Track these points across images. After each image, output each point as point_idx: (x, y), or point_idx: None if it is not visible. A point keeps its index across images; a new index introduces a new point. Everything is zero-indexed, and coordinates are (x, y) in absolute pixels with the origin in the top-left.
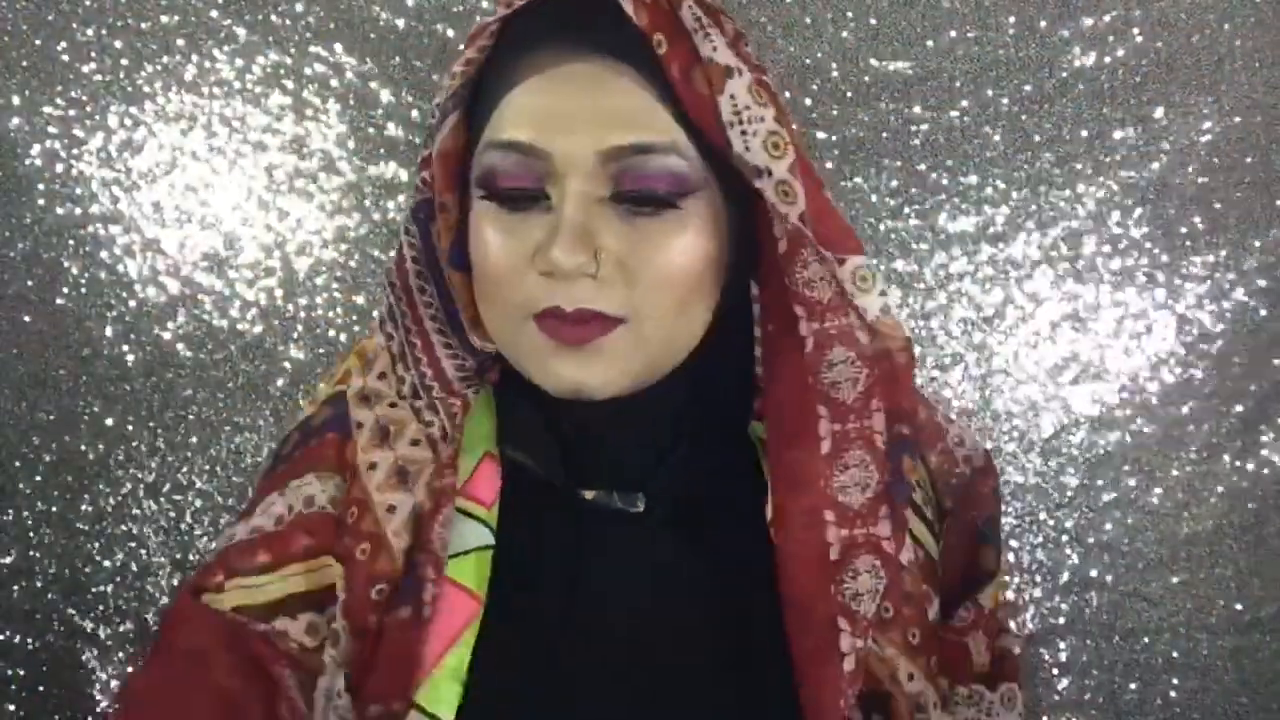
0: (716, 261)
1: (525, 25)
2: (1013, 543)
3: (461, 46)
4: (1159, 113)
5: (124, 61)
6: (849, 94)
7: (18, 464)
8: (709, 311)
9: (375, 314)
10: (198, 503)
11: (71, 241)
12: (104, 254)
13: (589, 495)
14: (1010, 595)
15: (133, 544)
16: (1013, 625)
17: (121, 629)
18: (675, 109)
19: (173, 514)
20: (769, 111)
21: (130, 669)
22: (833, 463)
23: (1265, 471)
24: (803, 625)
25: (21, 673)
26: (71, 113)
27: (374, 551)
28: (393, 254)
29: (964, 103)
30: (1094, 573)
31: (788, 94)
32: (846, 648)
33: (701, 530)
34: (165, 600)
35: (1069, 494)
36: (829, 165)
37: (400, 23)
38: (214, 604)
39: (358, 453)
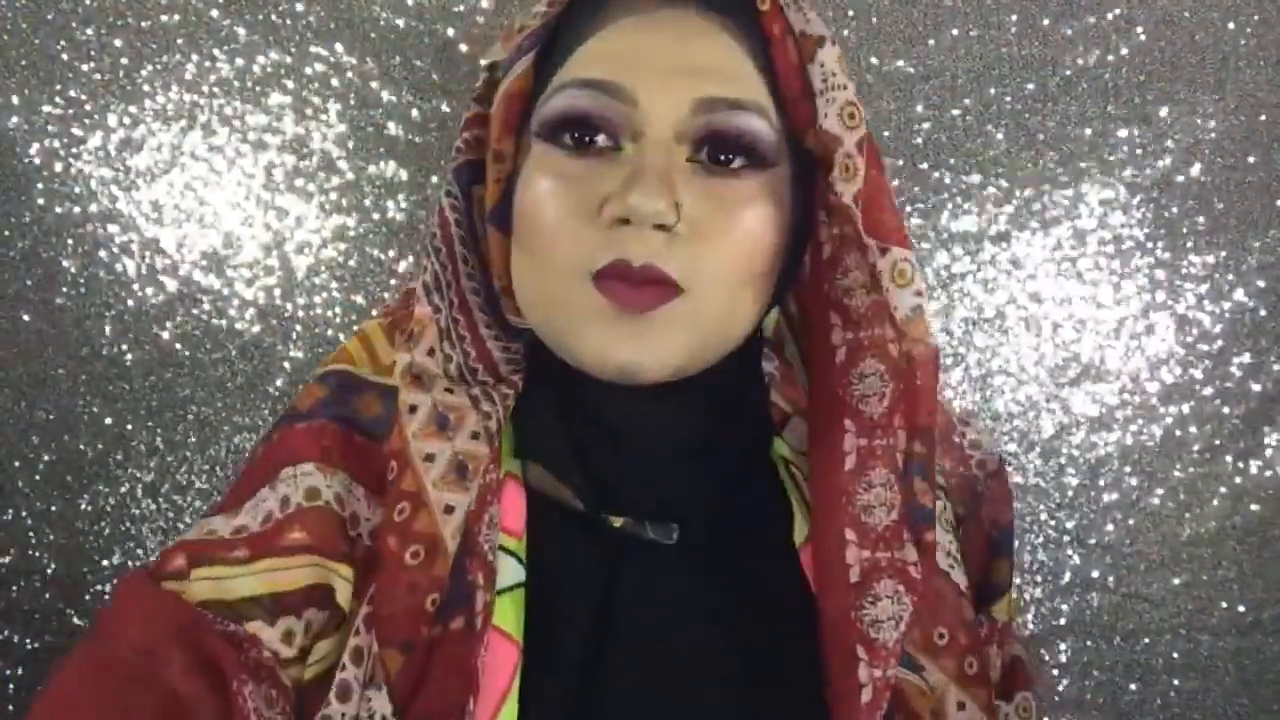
0: (780, 245)
1: None
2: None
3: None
4: (1163, 111)
5: (124, 61)
6: None
7: (16, 463)
8: (765, 297)
9: (418, 282)
10: (197, 502)
11: (70, 240)
12: (103, 253)
13: (617, 523)
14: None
15: (131, 543)
16: (1021, 639)
17: None
18: (766, 75)
19: (172, 513)
20: (851, 84)
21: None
22: (856, 480)
23: (1267, 473)
24: (832, 652)
25: (20, 672)
26: (71, 112)
27: (429, 557)
28: (433, 221)
29: (966, 101)
30: (1095, 574)
31: None
32: (864, 678)
33: (735, 560)
34: None
35: (1069, 495)
36: None
37: (400, 23)
38: (179, 593)
39: (408, 440)
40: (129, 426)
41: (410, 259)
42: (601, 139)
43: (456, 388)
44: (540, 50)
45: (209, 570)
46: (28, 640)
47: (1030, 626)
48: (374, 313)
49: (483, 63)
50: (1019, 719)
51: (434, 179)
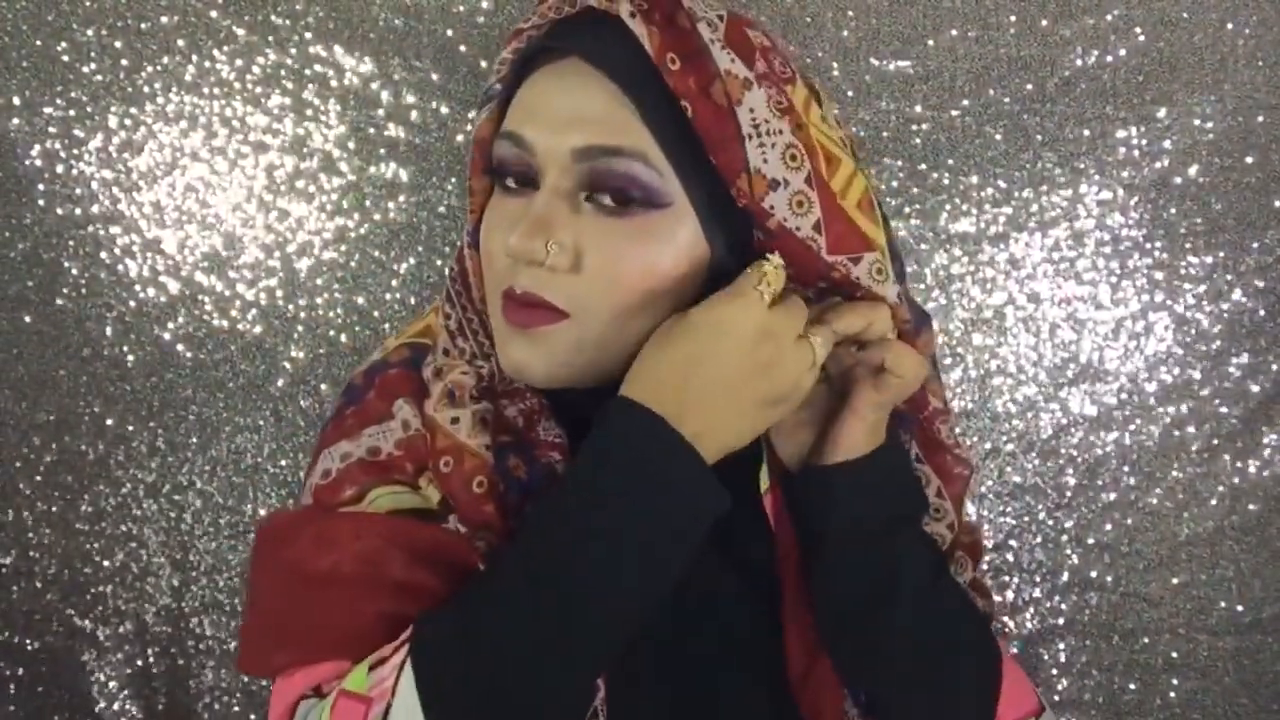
0: (676, 279)
1: (550, 33)
2: (1012, 543)
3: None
4: (1161, 112)
5: (124, 61)
6: (849, 93)
7: (18, 464)
8: (663, 317)
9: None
10: (198, 503)
11: (71, 242)
12: (104, 254)
13: None
14: (1010, 595)
15: (133, 544)
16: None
17: (121, 629)
18: (658, 126)
19: (173, 514)
20: (785, 123)
21: (129, 670)
22: None
23: (1265, 473)
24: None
25: (21, 673)
26: (71, 113)
27: (457, 459)
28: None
29: (965, 102)
30: (1094, 573)
31: None
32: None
33: (728, 535)
34: (165, 600)
35: (1068, 494)
36: None
37: (400, 23)
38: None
39: (430, 408)
40: (130, 427)
41: (411, 260)
42: (525, 177)
43: (469, 368)
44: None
45: (380, 491)
46: (29, 641)
47: (1029, 626)
48: (375, 314)
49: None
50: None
51: (434, 180)
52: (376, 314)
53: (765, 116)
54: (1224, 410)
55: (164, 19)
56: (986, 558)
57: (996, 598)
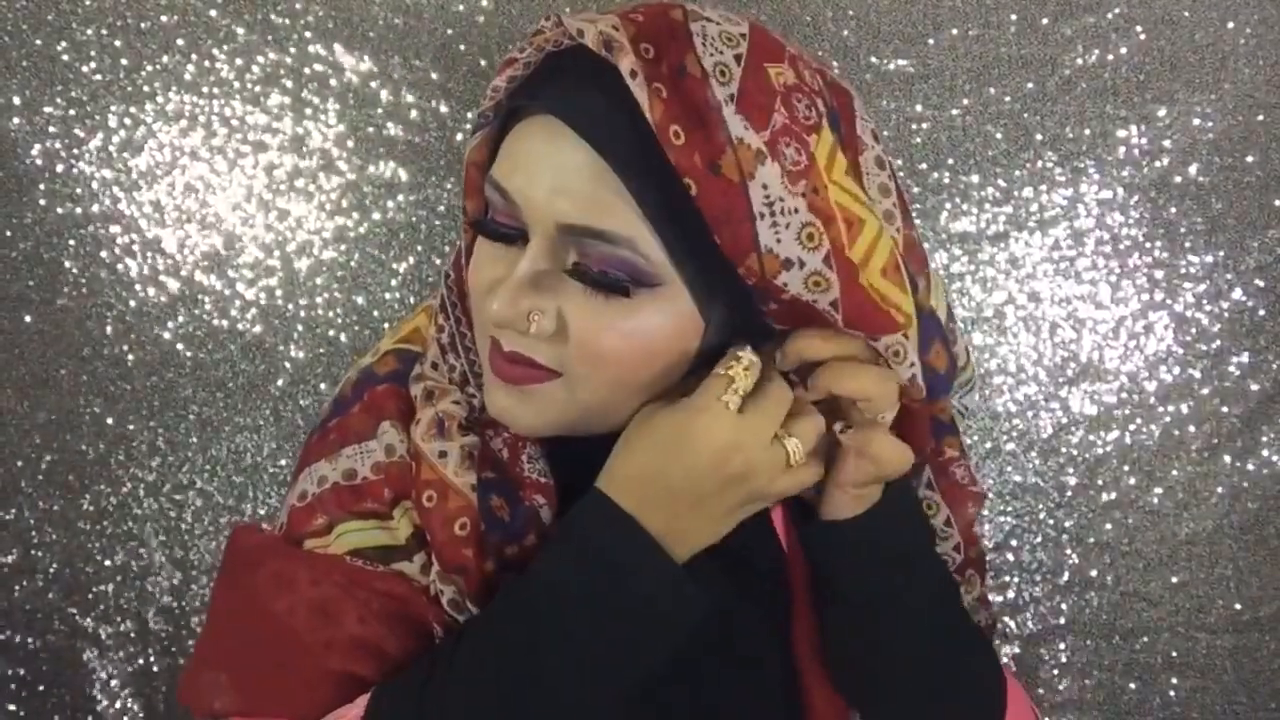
0: (668, 353)
1: (537, 72)
2: (1013, 542)
3: (497, 70)
4: (1161, 111)
5: (124, 61)
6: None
7: (19, 464)
8: (658, 387)
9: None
10: (198, 502)
11: (72, 241)
12: (104, 254)
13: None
14: (1010, 595)
15: (133, 543)
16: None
17: (122, 628)
18: (652, 207)
19: (173, 513)
20: (801, 193)
21: (130, 669)
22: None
23: (1265, 472)
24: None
25: (22, 672)
26: (71, 112)
27: (441, 495)
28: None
29: (965, 101)
30: (1094, 573)
31: None
32: None
33: (736, 550)
34: (166, 599)
35: (1068, 494)
36: None
37: (400, 22)
38: (324, 549)
39: (418, 436)
40: (131, 426)
41: (411, 259)
42: (513, 228)
43: (458, 396)
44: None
45: (348, 525)
46: (30, 640)
47: (1029, 626)
48: (375, 314)
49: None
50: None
51: (434, 179)
52: (376, 314)
53: (780, 193)
54: (1224, 409)
55: (164, 18)
56: (987, 558)
57: (997, 598)
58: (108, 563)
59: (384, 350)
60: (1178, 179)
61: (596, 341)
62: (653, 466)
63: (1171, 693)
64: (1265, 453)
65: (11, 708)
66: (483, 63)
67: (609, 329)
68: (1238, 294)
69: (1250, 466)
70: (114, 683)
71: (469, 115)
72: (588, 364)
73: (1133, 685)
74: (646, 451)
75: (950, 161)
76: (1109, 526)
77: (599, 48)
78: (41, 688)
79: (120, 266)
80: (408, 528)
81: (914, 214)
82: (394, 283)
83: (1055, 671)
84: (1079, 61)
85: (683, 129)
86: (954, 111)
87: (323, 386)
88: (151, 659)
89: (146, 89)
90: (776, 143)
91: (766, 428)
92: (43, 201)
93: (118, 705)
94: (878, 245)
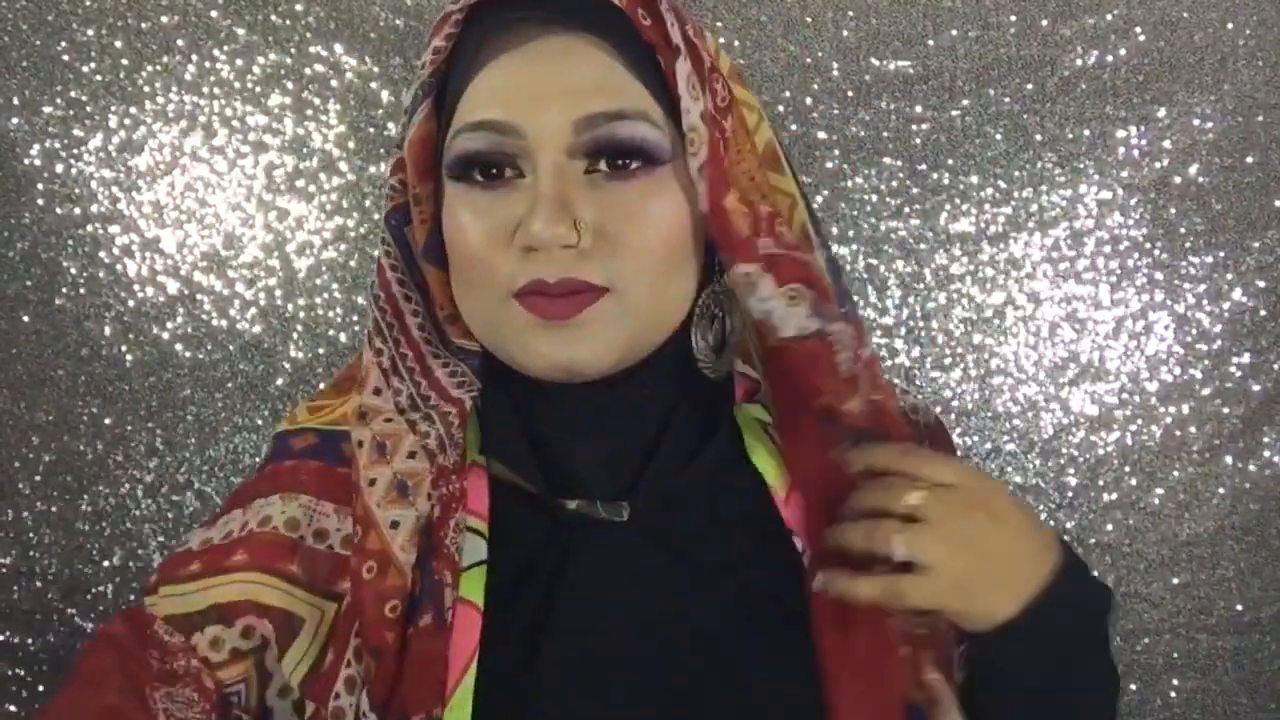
0: (694, 229)
1: (492, 9)
2: None
3: (429, 38)
4: (1161, 112)
5: (124, 61)
6: (850, 93)
7: (17, 464)
8: (693, 280)
9: (367, 331)
10: (196, 503)
11: (70, 241)
12: (103, 254)
13: (572, 505)
14: None
15: (132, 544)
16: None
17: None
18: (647, 80)
19: (171, 514)
20: (698, 104)
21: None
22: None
23: (1266, 472)
24: (838, 618)
25: (21, 673)
26: (71, 113)
27: (382, 569)
28: (374, 270)
29: (965, 102)
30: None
31: (788, 93)
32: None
33: (687, 533)
34: None
35: (1069, 495)
36: (829, 165)
37: (400, 23)
38: (150, 607)
39: (360, 470)
40: (129, 427)
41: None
42: (503, 169)
43: (397, 418)
44: (436, 94)
45: (171, 588)
46: (29, 640)
47: None
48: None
49: (406, 101)
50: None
51: None
52: (321, 386)
53: (708, 64)
54: (1225, 410)
55: (164, 19)
56: None
57: None
58: (106, 563)
59: (304, 426)
60: (1178, 179)
61: (636, 232)
62: None
63: (1173, 694)
64: (1266, 453)
65: (11, 709)
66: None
67: (642, 218)
68: (1238, 294)
69: (1251, 467)
70: None
71: None
72: (633, 259)
73: (1134, 686)
74: None
75: (950, 162)
76: (1110, 527)
77: None
78: (41, 688)
79: (119, 267)
80: (225, 595)
81: (914, 214)
82: None
83: None
84: (1079, 62)
85: (646, 12)
86: (954, 112)
87: (322, 387)
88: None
89: (146, 89)
90: (699, 36)
91: None
92: (41, 201)
93: None
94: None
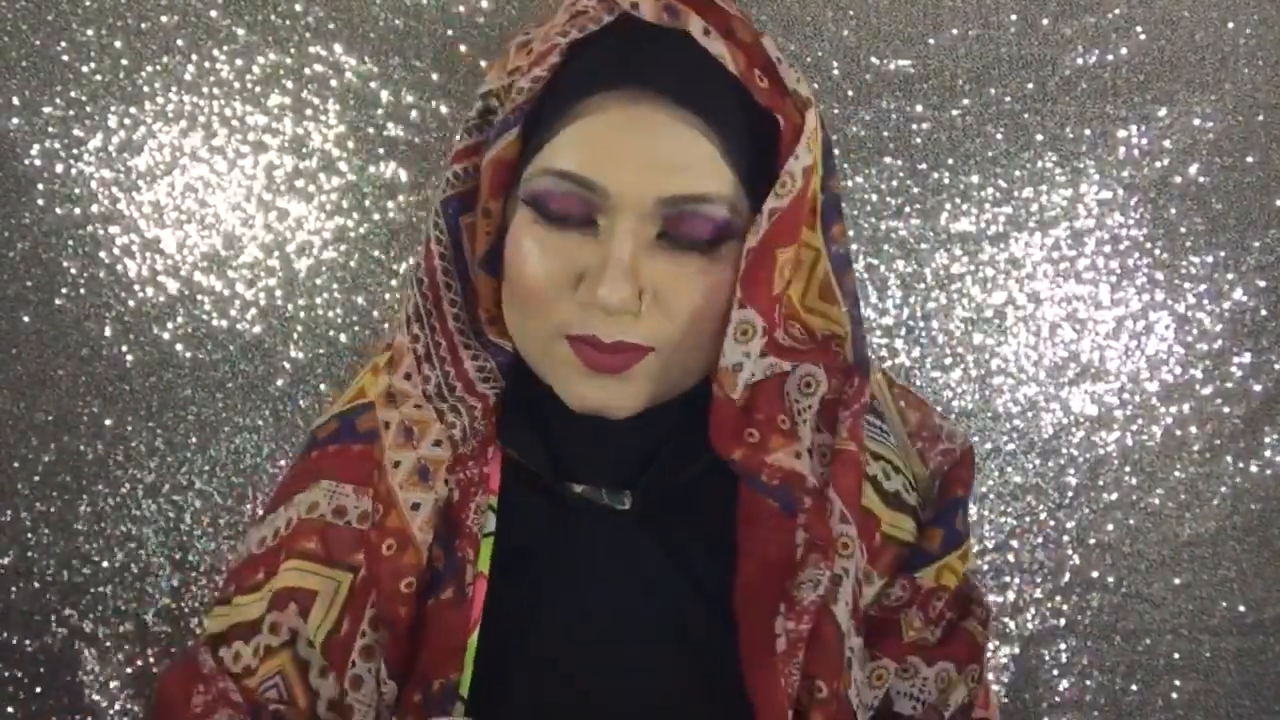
0: (729, 300)
1: (595, 54)
2: (1013, 543)
3: (520, 58)
4: (1162, 111)
5: (124, 61)
6: (849, 92)
7: (16, 464)
8: (723, 336)
9: (401, 313)
10: (197, 503)
11: (71, 242)
12: (103, 254)
13: (578, 489)
14: (1010, 595)
15: (132, 544)
16: (977, 616)
17: (121, 630)
18: (737, 161)
19: (172, 514)
20: (809, 157)
21: (129, 670)
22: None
23: (1268, 472)
24: (750, 602)
25: (20, 674)
26: (71, 113)
27: (400, 547)
28: (419, 251)
29: (966, 101)
30: (1095, 574)
31: None
32: (779, 629)
33: (681, 526)
34: (165, 601)
35: (1069, 495)
36: None
37: (400, 23)
38: (219, 617)
39: (385, 451)
40: (129, 427)
41: (411, 260)
42: (578, 216)
43: (425, 405)
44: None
45: (242, 598)
46: (28, 641)
47: (1030, 626)
48: (375, 314)
49: (479, 91)
50: (934, 685)
51: (434, 180)
52: (376, 314)
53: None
54: (1226, 410)
55: (164, 19)
56: (987, 558)
57: (997, 598)
58: (106, 564)
59: (329, 415)
60: (1178, 179)
61: (693, 303)
62: None
63: (1174, 695)
64: (1268, 453)
65: (10, 710)
66: (483, 63)
67: (697, 289)
68: (1239, 294)
69: (1253, 467)
70: (113, 684)
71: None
72: (683, 326)
73: (1134, 687)
74: None
75: (950, 161)
76: (1110, 527)
77: (659, 16)
78: (39, 690)
79: (119, 267)
80: (269, 592)
81: (914, 214)
82: (394, 283)
83: (1055, 672)
84: (1079, 61)
85: (763, 74)
86: (954, 112)
87: (323, 387)
88: (150, 660)
89: (146, 89)
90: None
91: None
92: (41, 202)
93: (117, 707)
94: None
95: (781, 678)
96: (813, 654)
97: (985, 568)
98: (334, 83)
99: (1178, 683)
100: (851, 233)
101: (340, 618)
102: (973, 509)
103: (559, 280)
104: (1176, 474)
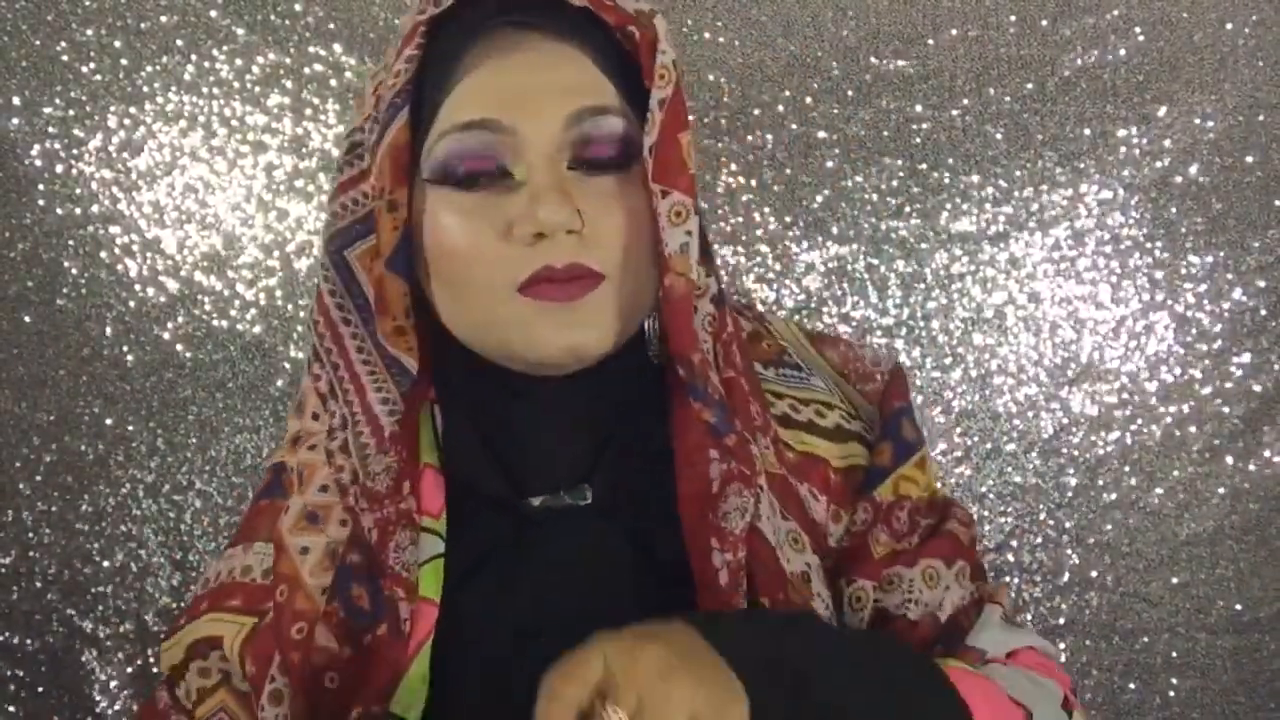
0: (651, 228)
1: (464, 19)
2: (1013, 543)
3: (394, 49)
4: (1161, 111)
5: (124, 61)
6: (850, 93)
7: (17, 464)
8: (657, 269)
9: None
10: (197, 503)
11: (71, 242)
12: (104, 254)
13: (536, 503)
14: (1010, 595)
15: (132, 544)
16: (958, 518)
17: (121, 630)
18: (616, 82)
19: (172, 514)
20: (671, 49)
21: (130, 670)
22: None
23: (1267, 472)
24: (693, 551)
25: (21, 674)
26: (71, 113)
27: (291, 592)
28: (312, 303)
29: (965, 101)
30: (1094, 573)
31: (787, 93)
32: (719, 563)
33: (642, 512)
34: (165, 600)
35: (1069, 494)
36: (829, 164)
37: (399, 23)
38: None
39: (289, 495)
40: (130, 427)
41: None
42: (491, 170)
43: (318, 445)
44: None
45: (165, 644)
46: (29, 641)
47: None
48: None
49: (345, 136)
50: (924, 584)
51: None
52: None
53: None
54: (1225, 410)
55: (164, 19)
56: (988, 558)
57: None
58: (106, 564)
59: (272, 458)
60: (1178, 179)
61: (619, 225)
62: None
63: (1171, 693)
64: (1267, 453)
65: (11, 709)
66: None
67: (619, 210)
68: (1238, 294)
69: (1251, 467)
70: (113, 684)
71: None
72: (619, 250)
73: (1133, 686)
74: None
75: (950, 162)
76: (1109, 527)
77: None
78: (40, 689)
79: (120, 267)
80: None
81: (914, 214)
82: None
83: None
84: (1079, 62)
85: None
86: (954, 112)
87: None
88: (151, 660)
89: (146, 89)
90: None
91: None
92: (42, 202)
93: (117, 706)
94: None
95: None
96: (759, 578)
97: (985, 567)
98: (334, 83)
99: (1175, 681)
100: (851, 233)
101: (242, 658)
102: (973, 509)
103: (490, 236)
104: (1175, 474)
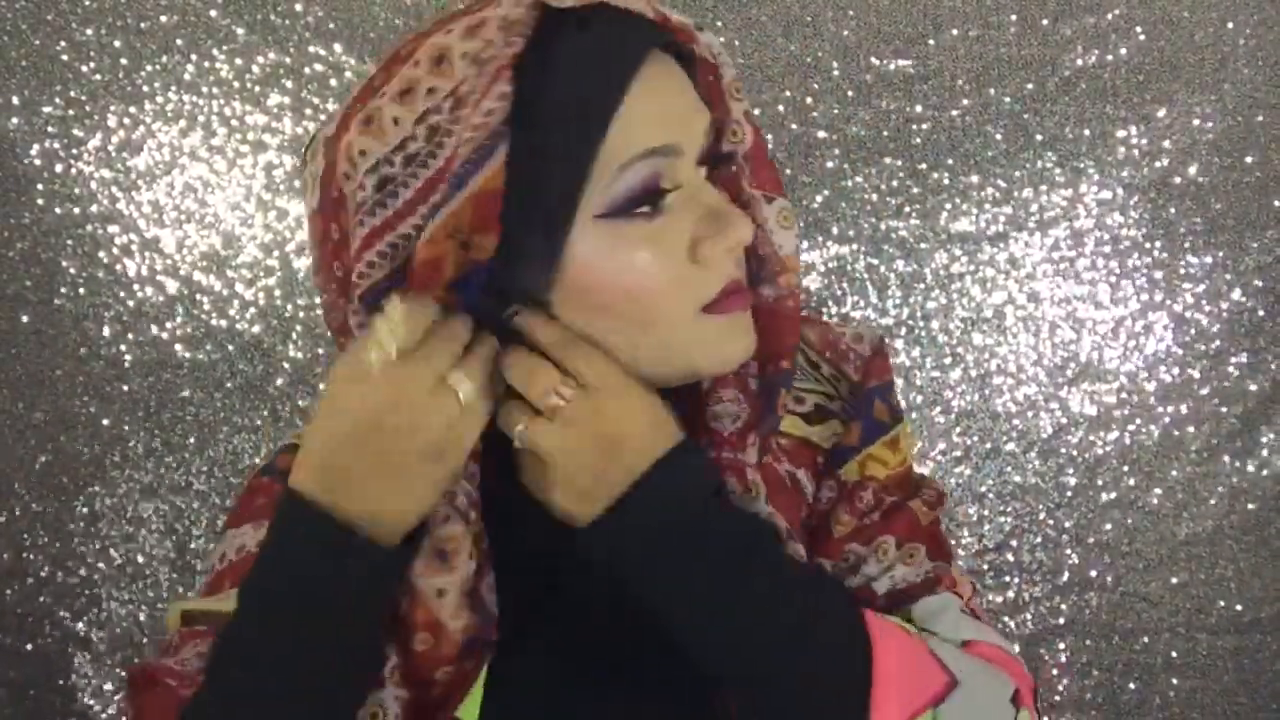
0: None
1: (592, 42)
2: (1013, 542)
3: (417, 104)
4: (1161, 112)
5: (124, 61)
6: (850, 92)
7: (12, 465)
8: None
9: None
10: (195, 504)
11: (70, 241)
12: (102, 254)
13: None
14: (1010, 595)
15: (130, 545)
16: (925, 498)
17: (116, 632)
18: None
19: (170, 515)
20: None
21: (122, 674)
22: (709, 395)
23: (1264, 472)
24: None
25: (13, 675)
26: (71, 113)
27: (437, 642)
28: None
29: (965, 101)
30: (1093, 573)
31: (788, 93)
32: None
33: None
34: (162, 603)
35: (1068, 494)
36: (829, 164)
37: (400, 22)
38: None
39: (415, 572)
40: (127, 427)
41: None
42: (661, 193)
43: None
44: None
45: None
46: (22, 644)
47: (1029, 626)
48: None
49: (363, 168)
50: (877, 561)
51: None
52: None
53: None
54: (1223, 410)
55: (163, 19)
56: (987, 558)
57: (997, 598)
58: (101, 566)
59: (287, 444)
60: (1177, 179)
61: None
62: (326, 448)
63: (1171, 693)
64: (1265, 453)
65: (4, 711)
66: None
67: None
68: (1237, 294)
69: (1250, 467)
70: (107, 686)
71: None
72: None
73: (1132, 685)
74: (320, 423)
75: (950, 162)
76: (1109, 527)
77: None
78: (33, 691)
79: (119, 266)
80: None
81: (914, 214)
82: None
83: (1055, 671)
84: (1079, 62)
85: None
86: (954, 112)
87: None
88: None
89: (146, 89)
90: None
91: (424, 374)
92: (41, 201)
93: (110, 710)
94: None
95: None
96: None
97: (985, 568)
98: (334, 82)
99: (1175, 681)
100: (851, 232)
101: None
102: (972, 510)
103: (680, 260)
104: (1174, 474)
